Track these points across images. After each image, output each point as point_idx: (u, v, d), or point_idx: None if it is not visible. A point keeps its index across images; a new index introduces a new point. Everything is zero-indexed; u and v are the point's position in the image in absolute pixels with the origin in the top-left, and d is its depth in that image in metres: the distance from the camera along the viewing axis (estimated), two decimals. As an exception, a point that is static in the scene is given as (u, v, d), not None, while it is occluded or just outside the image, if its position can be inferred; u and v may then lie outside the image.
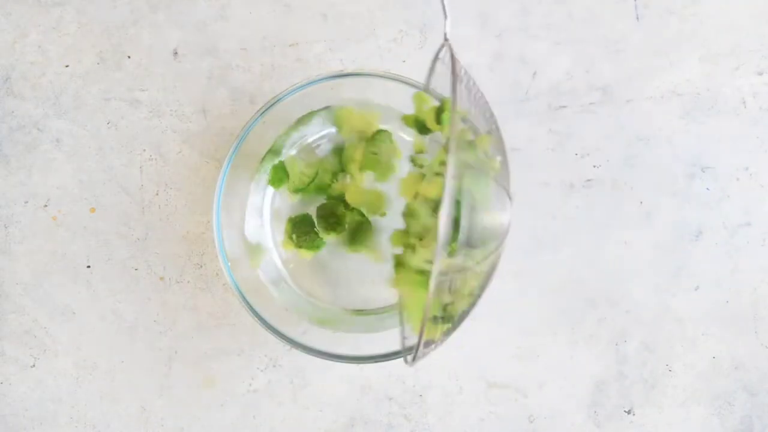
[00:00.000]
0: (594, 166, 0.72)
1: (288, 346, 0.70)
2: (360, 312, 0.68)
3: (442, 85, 0.60)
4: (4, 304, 0.71)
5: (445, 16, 0.55)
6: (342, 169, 0.67)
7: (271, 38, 0.71)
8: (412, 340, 0.59)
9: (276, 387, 0.70)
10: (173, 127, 0.71)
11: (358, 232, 0.67)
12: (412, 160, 0.64)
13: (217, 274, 0.71)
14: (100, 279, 0.71)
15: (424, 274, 0.57)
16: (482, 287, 0.56)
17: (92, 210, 0.71)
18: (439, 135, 0.63)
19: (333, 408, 0.71)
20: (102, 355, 0.70)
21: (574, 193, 0.71)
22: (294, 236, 0.67)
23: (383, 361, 0.62)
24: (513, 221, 0.70)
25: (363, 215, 0.67)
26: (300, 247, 0.67)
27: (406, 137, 0.67)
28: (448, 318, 0.58)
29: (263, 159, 0.66)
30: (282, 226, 0.68)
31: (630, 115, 0.72)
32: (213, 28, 0.71)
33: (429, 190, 0.59)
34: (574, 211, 0.71)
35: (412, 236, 0.59)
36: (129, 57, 0.72)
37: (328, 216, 0.67)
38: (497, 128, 0.57)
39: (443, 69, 0.59)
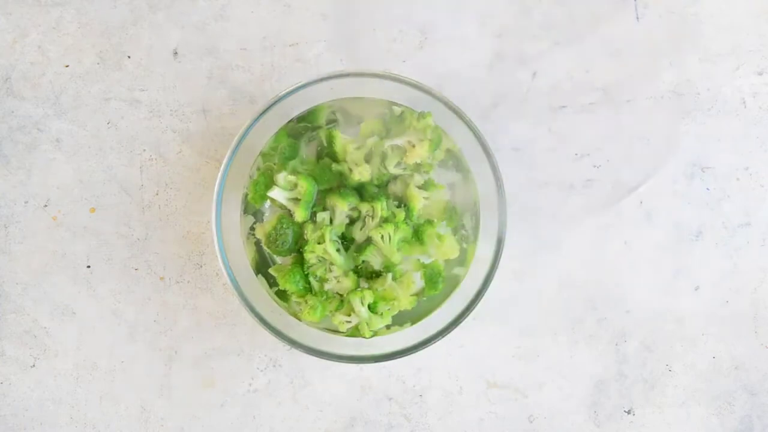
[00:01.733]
0: (594, 166, 0.72)
1: (288, 346, 0.70)
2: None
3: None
4: (4, 304, 0.71)
5: None
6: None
7: (271, 38, 0.71)
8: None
9: (276, 387, 0.70)
10: (173, 127, 0.71)
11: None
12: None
13: (217, 274, 0.71)
14: (100, 279, 0.71)
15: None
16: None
17: (92, 210, 0.71)
18: None
19: (333, 408, 0.71)
20: (102, 355, 0.70)
21: (574, 193, 0.71)
22: (271, 236, 0.64)
23: (383, 361, 0.62)
24: (513, 221, 0.70)
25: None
26: (274, 251, 0.65)
27: (398, 142, 0.65)
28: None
29: (261, 157, 0.66)
30: None
31: (630, 115, 0.72)
32: (213, 28, 0.71)
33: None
34: (574, 211, 0.71)
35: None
36: (129, 57, 0.72)
37: (279, 235, 0.64)
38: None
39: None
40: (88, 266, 0.71)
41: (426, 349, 0.62)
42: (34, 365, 0.70)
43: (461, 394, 0.71)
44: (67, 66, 0.72)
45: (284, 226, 0.64)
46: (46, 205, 0.71)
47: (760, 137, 0.72)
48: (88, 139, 0.71)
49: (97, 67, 0.72)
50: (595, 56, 0.72)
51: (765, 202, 0.72)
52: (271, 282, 0.66)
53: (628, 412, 0.71)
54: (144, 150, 0.71)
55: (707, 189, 0.72)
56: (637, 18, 0.72)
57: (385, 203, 0.63)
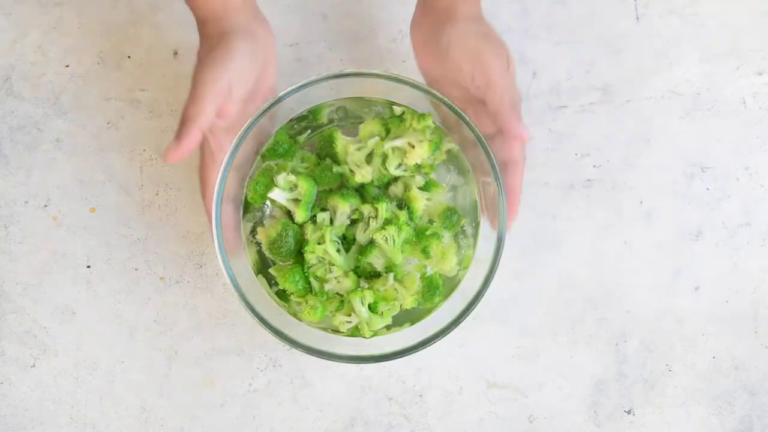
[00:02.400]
0: (594, 166, 0.72)
1: (288, 346, 0.70)
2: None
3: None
4: (4, 304, 0.71)
5: None
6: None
7: (271, 38, 0.71)
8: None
9: (276, 387, 0.70)
10: (173, 127, 0.71)
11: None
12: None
13: (217, 274, 0.71)
14: (100, 279, 0.71)
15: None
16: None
17: (92, 210, 0.71)
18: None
19: (333, 408, 0.71)
20: (102, 355, 0.70)
21: (574, 193, 0.71)
22: (276, 242, 0.64)
23: (383, 361, 0.62)
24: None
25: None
26: (277, 257, 0.65)
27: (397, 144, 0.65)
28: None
29: (262, 156, 0.66)
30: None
31: (630, 115, 0.72)
32: (213, 28, 0.71)
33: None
34: (574, 211, 0.71)
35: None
36: (129, 57, 0.72)
37: (283, 242, 0.64)
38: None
39: None
40: (88, 266, 0.71)
41: (426, 349, 0.62)
42: (34, 365, 0.70)
43: (461, 394, 0.71)
44: (67, 66, 0.72)
45: (287, 233, 0.64)
46: (46, 205, 0.71)
47: (760, 137, 0.72)
48: (88, 139, 0.71)
49: (97, 67, 0.72)
50: (595, 56, 0.72)
51: (765, 202, 0.72)
52: (272, 282, 0.66)
53: (628, 412, 0.71)
54: (144, 150, 0.71)
55: (707, 189, 0.72)
56: (637, 18, 0.72)
57: (387, 205, 0.63)
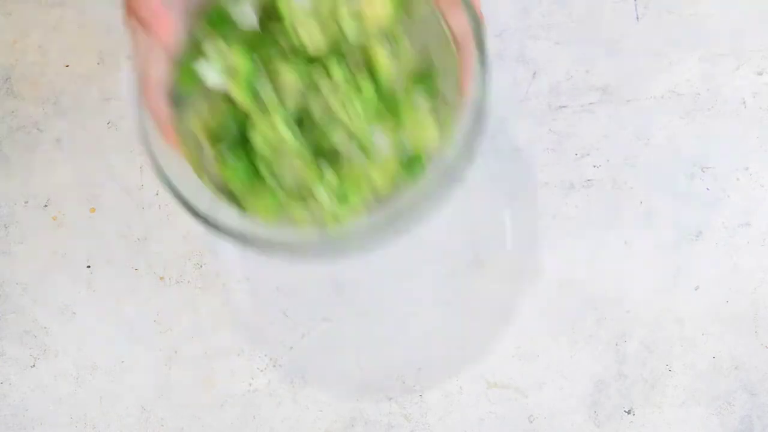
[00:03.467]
0: (594, 166, 0.72)
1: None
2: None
3: None
4: (4, 304, 0.71)
5: None
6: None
7: (271, 38, 0.71)
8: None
9: (276, 387, 0.70)
10: (173, 127, 0.71)
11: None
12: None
13: (218, 274, 0.71)
14: (100, 279, 0.71)
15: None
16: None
17: (92, 210, 0.71)
18: None
19: (333, 408, 0.71)
20: (102, 355, 0.70)
21: (574, 193, 0.71)
22: (211, 129, 0.52)
23: (351, 254, 0.53)
24: (513, 221, 0.70)
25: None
26: (215, 144, 0.52)
27: None
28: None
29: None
30: None
31: (630, 115, 0.72)
32: (213, 28, 0.71)
33: None
34: (574, 211, 0.71)
35: None
36: (129, 57, 0.72)
37: (220, 125, 0.51)
38: None
39: None
40: (88, 266, 0.71)
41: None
42: (34, 365, 0.70)
43: (461, 394, 0.71)
44: (67, 66, 0.72)
45: (227, 117, 0.52)
46: (46, 205, 0.71)
47: (760, 137, 0.72)
48: (88, 139, 0.71)
49: (97, 67, 0.72)
50: (595, 56, 0.72)
51: (765, 202, 0.72)
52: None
53: (628, 412, 0.71)
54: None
55: (707, 189, 0.72)
56: (637, 18, 0.72)
57: (341, 65, 0.51)
